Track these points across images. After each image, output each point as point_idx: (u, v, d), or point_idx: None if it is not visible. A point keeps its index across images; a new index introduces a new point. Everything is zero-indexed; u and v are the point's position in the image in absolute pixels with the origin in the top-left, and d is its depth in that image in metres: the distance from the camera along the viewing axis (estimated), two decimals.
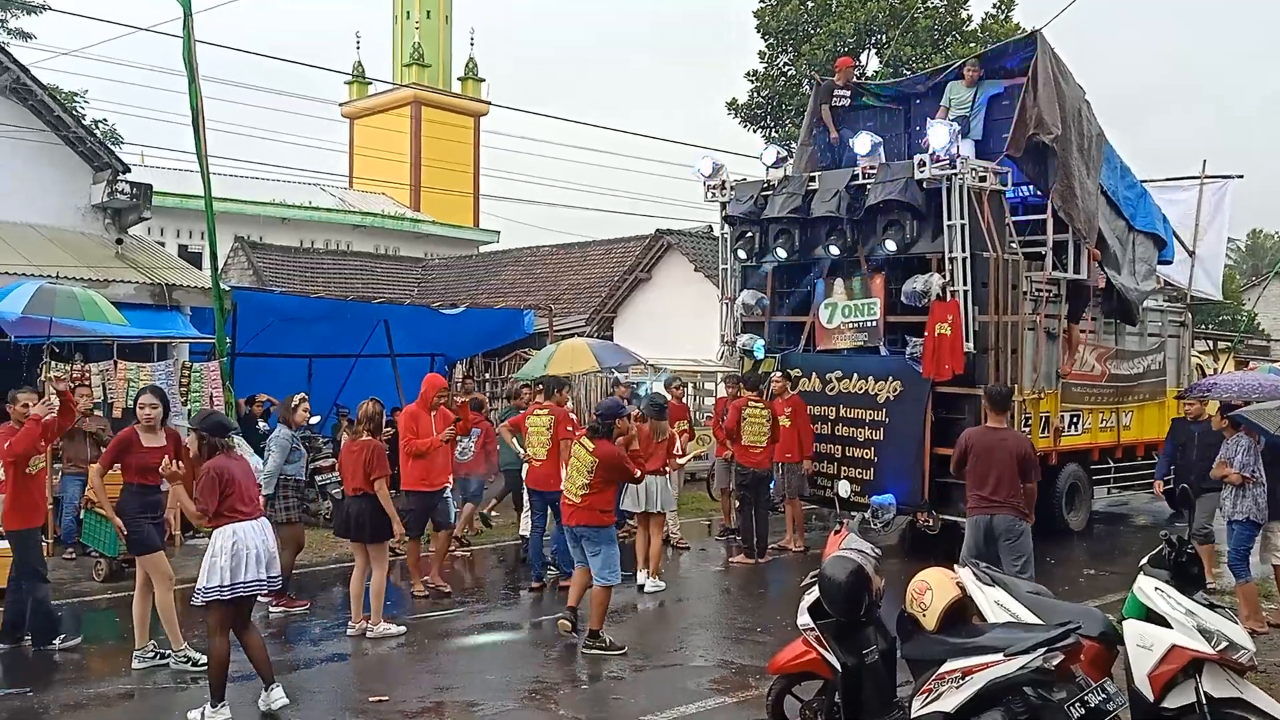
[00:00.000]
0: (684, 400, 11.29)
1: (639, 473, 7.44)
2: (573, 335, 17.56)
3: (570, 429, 8.82)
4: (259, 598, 6.12)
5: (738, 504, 10.58)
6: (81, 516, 9.40)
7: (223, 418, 6.28)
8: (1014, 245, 10.14)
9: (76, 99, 25.80)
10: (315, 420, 10.61)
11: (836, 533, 5.45)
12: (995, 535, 6.91)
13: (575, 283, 23.99)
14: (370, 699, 6.07)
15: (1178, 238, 13.24)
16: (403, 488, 8.56)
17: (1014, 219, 10.48)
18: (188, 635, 6.76)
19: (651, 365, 14.94)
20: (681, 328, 18.37)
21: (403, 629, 7.51)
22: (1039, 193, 10.70)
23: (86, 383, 10.38)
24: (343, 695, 6.23)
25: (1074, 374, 10.84)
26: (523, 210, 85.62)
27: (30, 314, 9.41)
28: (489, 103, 38.26)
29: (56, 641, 6.96)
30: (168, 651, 6.61)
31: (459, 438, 9.51)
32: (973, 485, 6.98)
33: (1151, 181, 13.37)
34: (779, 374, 10.82)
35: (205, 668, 6.30)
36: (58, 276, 10.94)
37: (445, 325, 15.37)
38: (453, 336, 16.05)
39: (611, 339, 19.47)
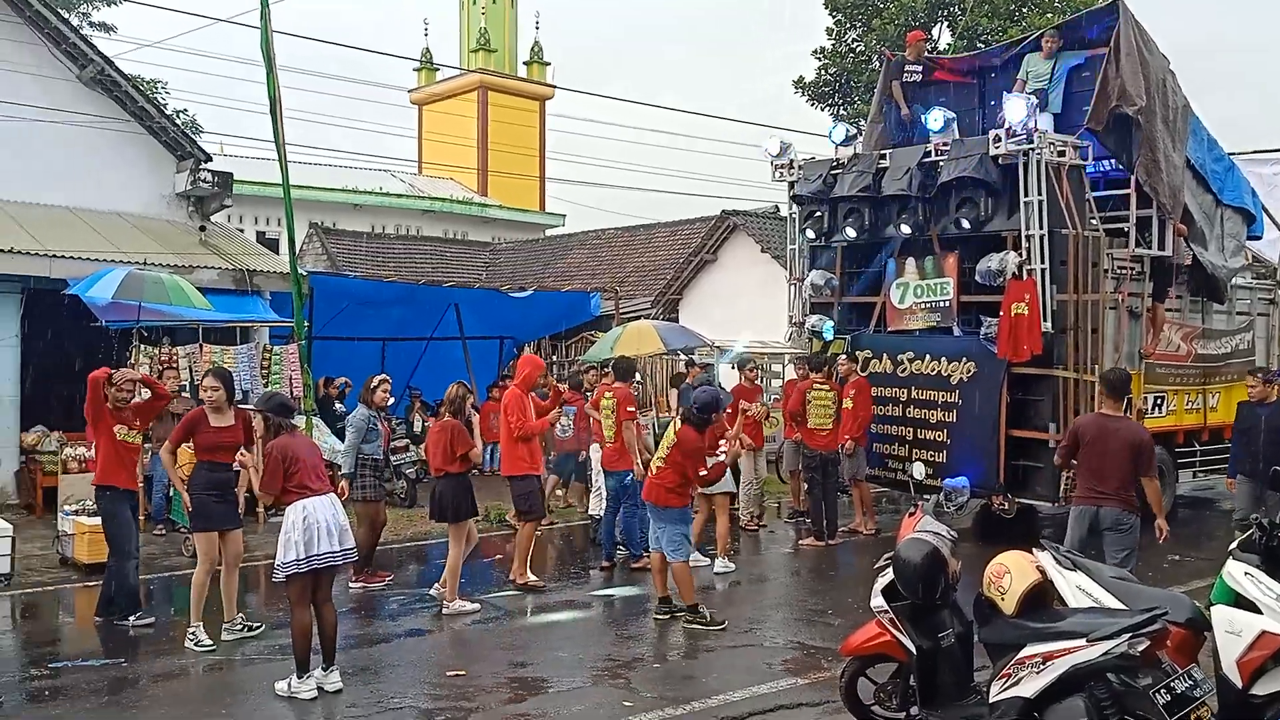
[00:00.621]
0: (757, 383, 11.22)
1: (704, 473, 7.42)
2: (638, 317, 17.61)
3: (631, 410, 8.88)
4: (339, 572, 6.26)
5: (806, 486, 10.52)
6: (171, 494, 9.75)
7: (285, 399, 6.43)
8: (1094, 221, 9.85)
9: (157, 89, 26.61)
10: (391, 402, 10.82)
11: (911, 515, 5.39)
12: (1100, 526, 6.62)
13: (641, 265, 24.01)
14: (448, 674, 6.21)
15: (1267, 212, 12.72)
16: (508, 473, 8.43)
17: (1095, 194, 10.17)
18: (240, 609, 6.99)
19: (718, 346, 14.90)
20: (747, 309, 18.27)
21: (476, 606, 7.65)
22: (1121, 167, 10.36)
23: (174, 365, 10.74)
24: (421, 669, 6.38)
25: (1158, 354, 10.52)
26: (588, 193, 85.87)
27: (120, 299, 9.77)
28: (554, 86, 38.39)
29: (131, 619, 7.13)
30: (237, 623, 6.82)
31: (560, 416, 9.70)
32: (1082, 475, 6.71)
33: (1239, 154, 12.87)
34: (844, 357, 10.75)
35: (210, 649, 6.56)
36: (145, 263, 11.31)
37: (514, 308, 15.56)
38: (521, 319, 16.24)
39: (677, 321, 19.47)
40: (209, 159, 14.48)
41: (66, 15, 15.41)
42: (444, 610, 7.54)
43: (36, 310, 11.70)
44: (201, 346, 11.10)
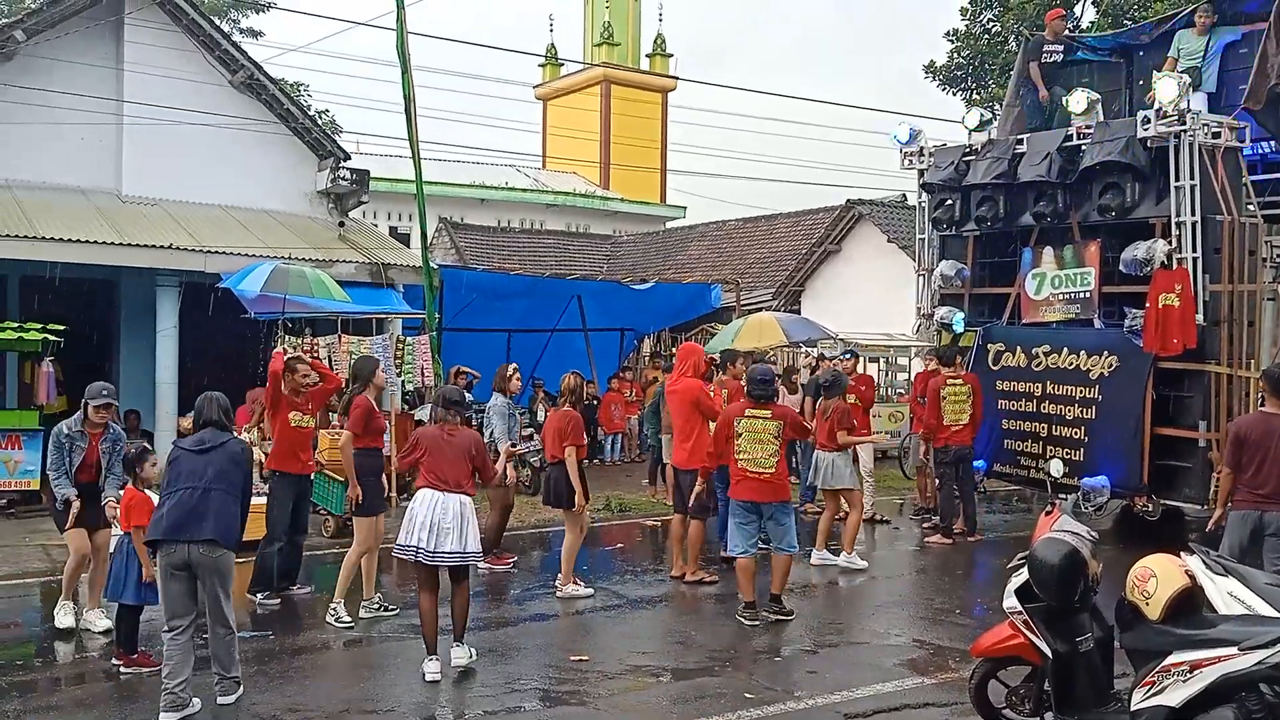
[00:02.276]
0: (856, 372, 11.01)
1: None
2: (760, 309, 17.49)
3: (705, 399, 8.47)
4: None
5: (938, 482, 10.24)
6: (312, 477, 10.23)
7: (450, 392, 6.54)
8: (1252, 207, 9.25)
9: (300, 91, 27.92)
10: (519, 391, 11.07)
11: (1048, 514, 5.18)
12: (1265, 532, 6.21)
13: (762, 256, 23.83)
14: (571, 658, 6.33)
15: None
16: (687, 466, 8.12)
17: (1252, 178, 9.54)
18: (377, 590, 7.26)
19: (841, 339, 14.67)
20: (873, 301, 17.92)
21: (590, 591, 7.77)
22: None
23: (315, 354, 11.25)
24: (545, 653, 6.52)
25: None
26: (709, 184, 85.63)
27: (267, 292, 10.30)
28: (676, 78, 38.47)
29: (259, 595, 7.51)
30: (375, 602, 7.07)
31: None
32: (1244, 478, 6.30)
33: None
34: (935, 358, 10.54)
35: (394, 613, 6.92)
36: (290, 257, 11.88)
37: (635, 300, 15.69)
38: (642, 311, 16.37)
39: (799, 313, 19.25)
40: (348, 158, 15.11)
41: (218, 22, 16.30)
42: (558, 593, 7.69)
43: (192, 302, 12.46)
44: (340, 337, 11.60)
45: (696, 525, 8.16)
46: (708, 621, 7.37)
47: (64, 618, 6.80)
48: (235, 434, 5.83)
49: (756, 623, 7.06)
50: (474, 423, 9.04)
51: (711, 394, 8.47)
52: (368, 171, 15.25)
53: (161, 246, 11.79)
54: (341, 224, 14.72)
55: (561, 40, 40.88)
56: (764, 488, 7.01)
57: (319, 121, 16.72)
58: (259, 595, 7.53)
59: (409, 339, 12.20)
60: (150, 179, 13.57)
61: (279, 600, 7.61)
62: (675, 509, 8.54)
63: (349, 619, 6.94)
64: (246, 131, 14.03)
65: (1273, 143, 9.96)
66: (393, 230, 27.97)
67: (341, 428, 10.67)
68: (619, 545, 9.94)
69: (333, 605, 7.00)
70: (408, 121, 10.44)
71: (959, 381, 9.83)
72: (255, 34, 28.70)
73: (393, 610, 7.16)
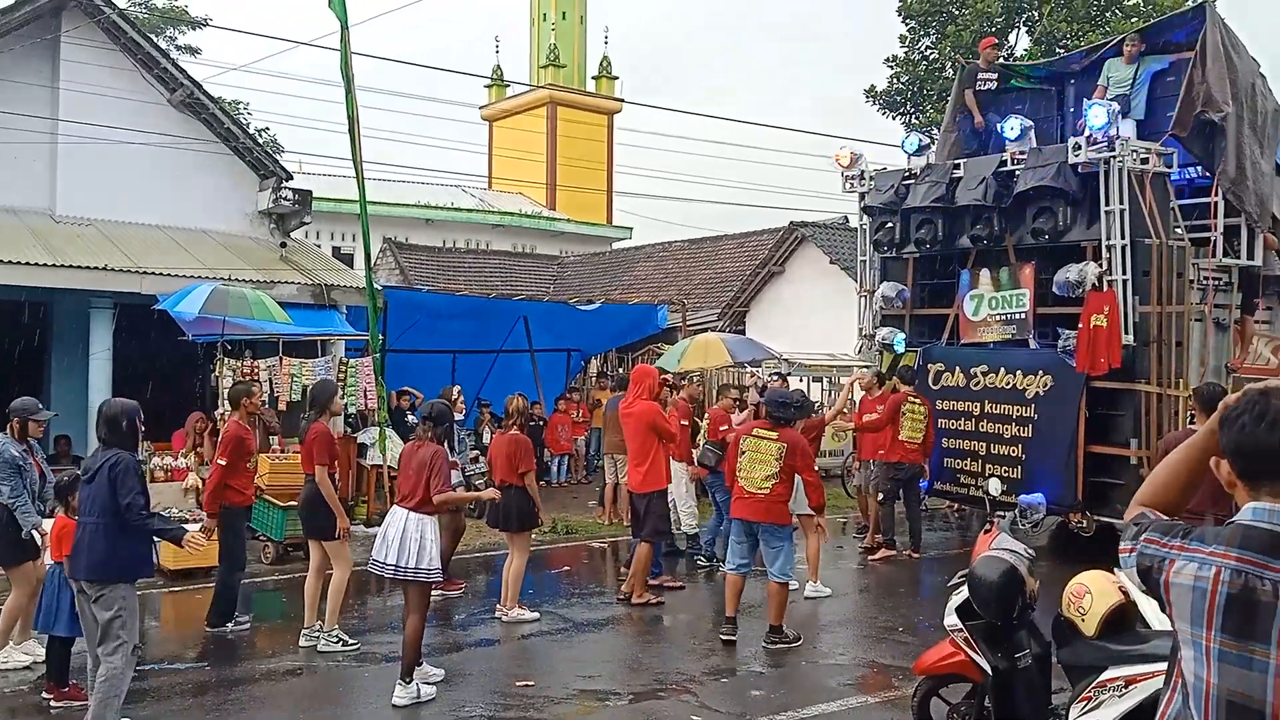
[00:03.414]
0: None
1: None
2: (706, 330, 17.59)
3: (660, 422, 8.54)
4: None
5: (881, 497, 10.35)
6: (252, 501, 10.03)
7: (428, 406, 6.62)
8: (1179, 231, 9.55)
9: (240, 110, 27.53)
10: (461, 417, 11.00)
11: (987, 532, 5.28)
12: None
13: (707, 277, 24.01)
14: (517, 684, 6.27)
15: None
16: (645, 489, 8.14)
17: (1180, 202, 9.88)
18: (345, 619, 7.16)
19: (785, 359, 14.82)
20: (816, 321, 18.15)
21: (536, 615, 7.72)
22: (1208, 174, 10.05)
23: (255, 378, 11.06)
24: (491, 679, 6.45)
25: (1246, 368, 10.14)
26: (654, 206, 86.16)
27: (206, 314, 10.10)
28: (622, 100, 38.70)
29: (229, 625, 7.38)
30: (316, 630, 6.97)
31: None
32: None
33: None
34: (869, 372, 10.84)
35: (354, 648, 6.83)
36: (230, 278, 11.67)
37: (581, 321, 15.69)
38: (588, 332, 16.36)
39: (744, 333, 19.40)
40: (290, 177, 14.91)
41: (154, 40, 16.02)
42: (503, 618, 7.62)
43: (127, 325, 12.16)
44: (281, 359, 11.41)
45: (646, 548, 8.16)
46: (655, 644, 7.36)
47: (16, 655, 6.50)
48: (139, 442, 5.57)
49: (734, 637, 7.08)
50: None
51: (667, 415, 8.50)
52: (310, 191, 15.07)
53: (96, 268, 11.50)
54: (283, 244, 14.51)
55: (507, 62, 41.09)
56: (757, 508, 6.99)
57: (260, 141, 16.48)
58: (230, 624, 7.37)
59: (352, 361, 12.04)
60: (85, 199, 13.25)
61: (248, 622, 7.46)
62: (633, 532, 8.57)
63: (354, 641, 6.93)
64: (186, 151, 13.79)
65: (1199, 168, 10.31)
66: (336, 251, 27.65)
67: (282, 450, 10.52)
68: (565, 568, 9.89)
69: (333, 633, 6.91)
70: (351, 141, 10.34)
71: (917, 401, 10.08)
72: (193, 51, 28.27)
73: (353, 645, 6.97)
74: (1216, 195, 9.82)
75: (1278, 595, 1.92)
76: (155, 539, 5.56)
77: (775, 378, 11.57)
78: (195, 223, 13.99)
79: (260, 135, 26.05)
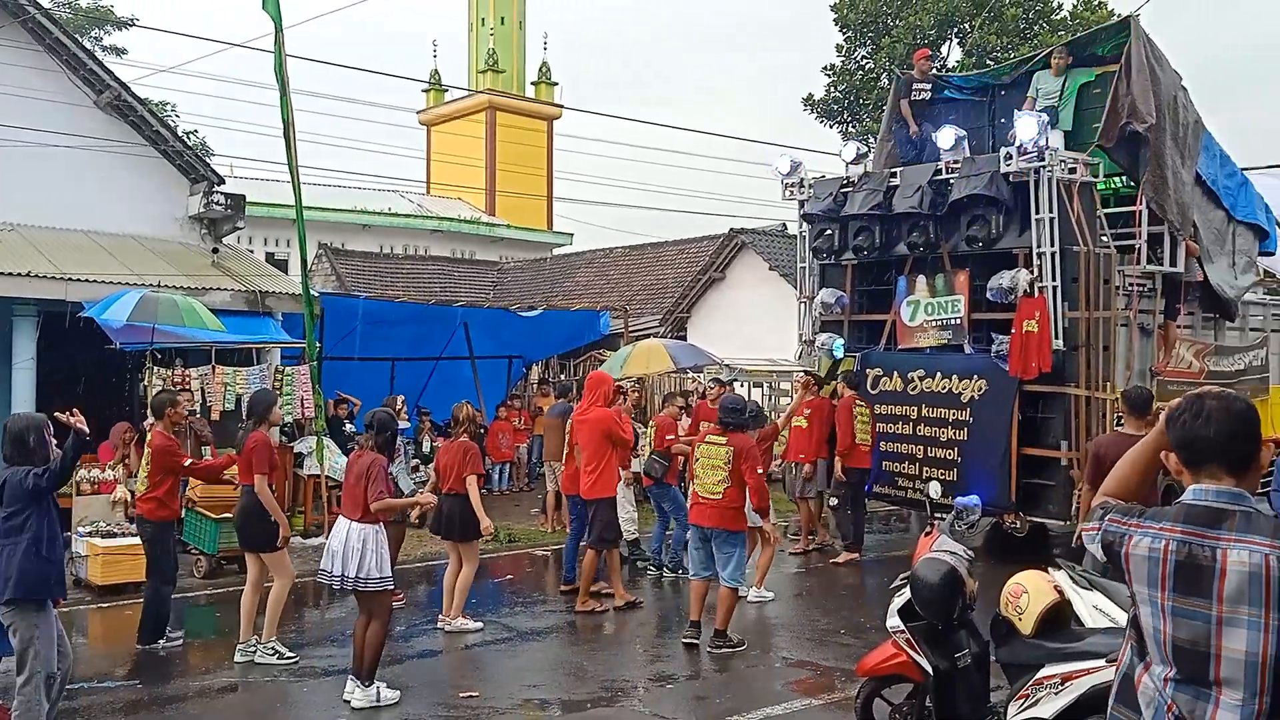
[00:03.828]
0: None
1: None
2: (648, 336, 17.64)
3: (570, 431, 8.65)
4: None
5: (834, 502, 10.44)
6: (183, 515, 9.77)
7: (371, 414, 6.58)
8: (1105, 238, 9.84)
9: (167, 111, 26.86)
10: (405, 426, 10.86)
11: (927, 534, 5.37)
12: None
13: (649, 283, 24.06)
14: (461, 695, 6.20)
15: None
16: (596, 496, 8.15)
17: (1106, 211, 10.17)
18: (283, 632, 7.01)
19: (727, 365, 14.92)
20: (757, 327, 18.30)
21: (480, 625, 7.66)
22: (1133, 184, 10.37)
23: (187, 387, 10.78)
24: (434, 690, 6.37)
25: (1170, 371, 10.48)
26: (595, 212, 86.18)
27: (134, 321, 9.82)
28: (562, 106, 38.67)
29: (161, 642, 7.18)
30: (251, 645, 6.84)
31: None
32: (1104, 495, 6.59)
33: (1253, 169, 12.86)
34: (805, 375, 11.00)
35: (292, 661, 6.71)
36: (159, 285, 11.36)
37: (523, 327, 15.60)
38: (530, 338, 16.29)
39: (685, 339, 19.49)
40: (222, 181, 14.58)
41: (80, 39, 15.55)
42: (446, 627, 7.54)
43: (52, 333, 11.77)
44: (214, 368, 11.14)
45: (592, 556, 8.16)
46: (600, 651, 7.34)
47: None
48: (50, 457, 5.30)
49: (696, 640, 7.16)
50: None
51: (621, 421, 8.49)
52: (243, 196, 14.75)
53: (18, 274, 11.10)
54: (215, 250, 14.17)
55: (445, 66, 40.62)
56: (710, 513, 7.08)
57: (190, 144, 16.10)
58: (161, 641, 7.17)
59: (288, 369, 11.81)
60: (8, 203, 12.77)
61: (180, 638, 7.27)
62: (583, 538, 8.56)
63: (291, 653, 6.82)
64: (113, 154, 13.39)
65: (1124, 178, 10.63)
66: (270, 256, 27.09)
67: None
68: (508, 576, 9.81)
69: (269, 645, 6.78)
70: (287, 145, 10.13)
71: (864, 405, 10.26)
72: (119, 52, 27.46)
73: (291, 658, 6.84)
74: (1141, 204, 10.13)
75: (1215, 559, 2.33)
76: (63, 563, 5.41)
77: (715, 383, 11.62)
78: (123, 228, 13.59)
79: (189, 138, 25.45)
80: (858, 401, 10.23)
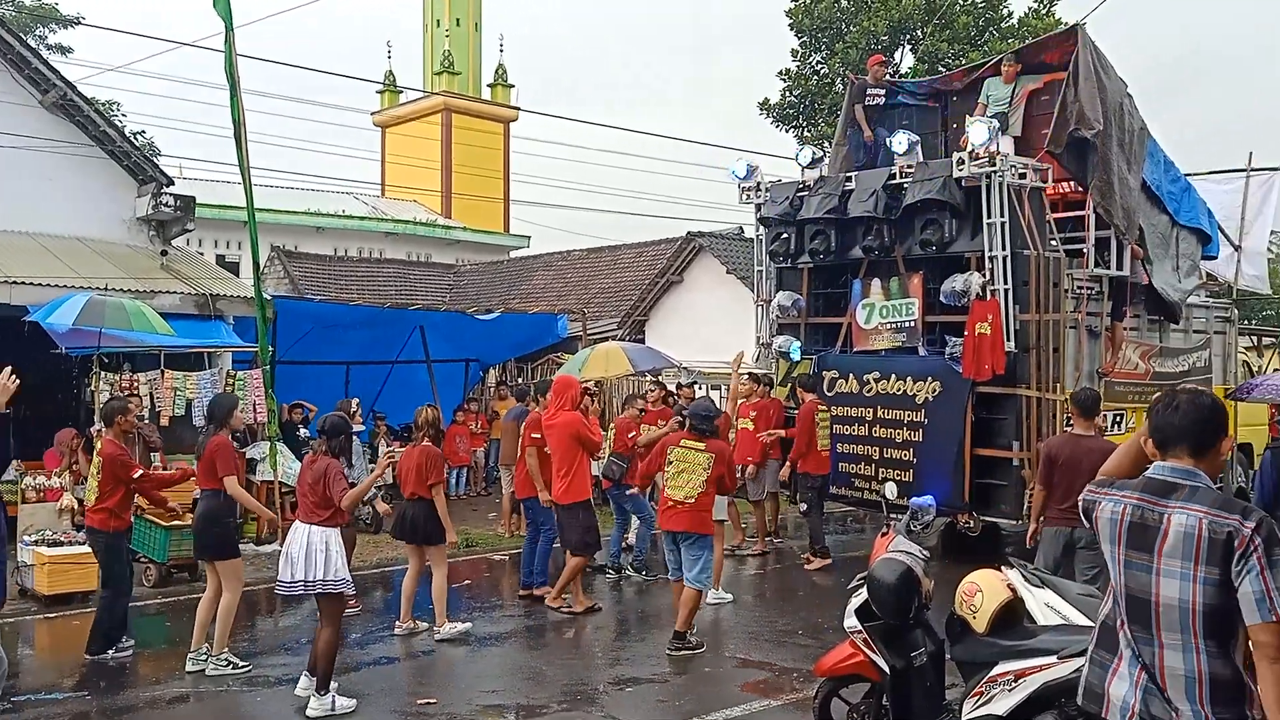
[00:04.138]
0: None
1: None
2: (605, 339, 17.61)
3: (533, 435, 8.60)
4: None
5: (804, 508, 10.43)
6: (132, 522, 9.56)
7: (325, 419, 6.57)
8: (1055, 242, 10.03)
9: (114, 111, 26.30)
10: (360, 429, 10.75)
11: (884, 535, 5.43)
12: (1076, 545, 6.62)
13: (606, 286, 24.04)
14: (419, 702, 6.14)
15: (1223, 231, 13.03)
16: (569, 500, 8.16)
17: (1055, 216, 10.37)
18: (235, 641, 6.91)
19: (685, 368, 14.95)
20: (715, 330, 18.35)
21: (469, 625, 7.62)
22: (1080, 189, 10.58)
23: (135, 392, 10.57)
24: (391, 697, 6.30)
25: (1117, 372, 10.70)
26: (552, 215, 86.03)
27: (81, 325, 9.60)
28: (518, 108, 38.54)
29: (111, 652, 7.03)
30: (203, 654, 6.75)
31: None
32: (1056, 496, 6.64)
33: (1196, 175, 13.19)
34: (747, 377, 11.08)
35: (245, 670, 6.63)
36: (106, 288, 11.14)
37: (480, 331, 15.50)
38: (487, 342, 16.19)
39: (644, 342, 19.50)
40: (170, 183, 14.32)
41: (24, 38, 15.18)
42: (436, 636, 7.47)
43: None
44: (163, 372, 10.93)
45: (575, 561, 8.12)
46: (558, 655, 7.31)
47: None
48: None
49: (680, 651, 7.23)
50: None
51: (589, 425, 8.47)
52: (193, 197, 14.49)
53: None
54: (164, 252, 13.90)
55: (400, 67, 40.27)
56: (683, 518, 7.11)
57: (137, 144, 15.78)
58: (111, 650, 7.02)
59: (240, 373, 11.62)
60: None
61: (130, 647, 7.12)
62: (562, 544, 8.50)
63: (244, 662, 6.73)
64: (58, 154, 13.08)
65: (1072, 183, 10.84)
66: (220, 259, 26.63)
67: (165, 468, 10.07)
68: (466, 581, 9.74)
69: (222, 656, 6.68)
70: (237, 146, 9.97)
71: (825, 409, 10.26)
72: (64, 51, 26.83)
73: (244, 667, 6.74)
74: (1088, 209, 10.35)
75: (1160, 521, 2.80)
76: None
77: (658, 386, 11.67)
78: (69, 230, 13.29)
79: (137, 138, 24.94)
80: (820, 406, 10.23)
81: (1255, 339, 19.69)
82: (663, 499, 7.27)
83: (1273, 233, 18.90)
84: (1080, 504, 3.11)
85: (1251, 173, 14.51)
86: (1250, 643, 2.70)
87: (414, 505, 7.57)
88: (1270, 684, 2.61)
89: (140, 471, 7.14)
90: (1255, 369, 14.98)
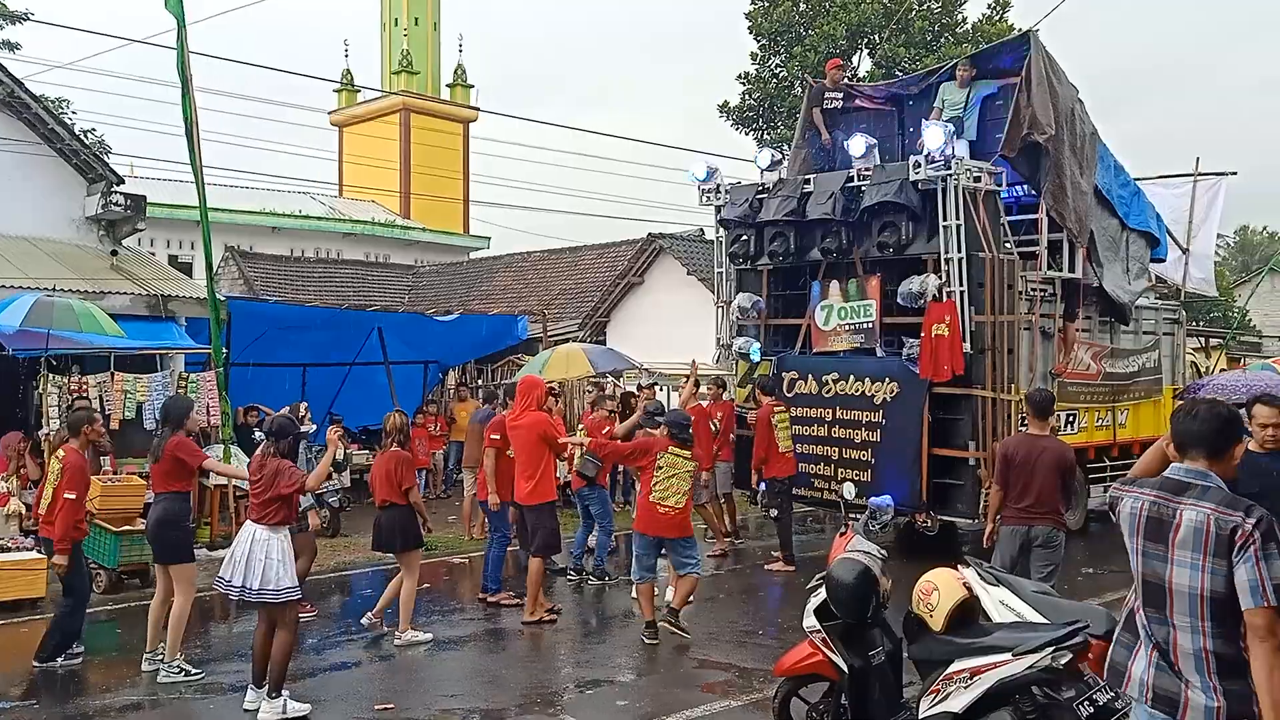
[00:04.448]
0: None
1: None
2: (566, 340, 17.58)
3: (493, 436, 8.57)
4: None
5: (775, 514, 10.36)
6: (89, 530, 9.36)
7: (271, 421, 6.65)
8: (1009, 245, 10.17)
9: (63, 108, 25.74)
10: (313, 429, 10.60)
11: (842, 535, 5.47)
12: (1032, 544, 6.69)
13: (567, 288, 23.99)
14: (376, 707, 6.08)
15: (1171, 235, 13.31)
16: (533, 501, 8.07)
17: (1009, 219, 10.51)
18: (189, 648, 6.79)
19: (646, 369, 14.96)
20: (675, 331, 18.38)
21: (430, 636, 7.54)
22: (1033, 192, 10.74)
23: (84, 395, 10.35)
24: (349, 703, 6.22)
25: (1069, 373, 10.89)
26: (513, 216, 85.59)
27: (28, 327, 9.39)
28: (477, 109, 38.38)
29: (60, 659, 6.90)
30: (158, 656, 6.66)
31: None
32: (1012, 496, 6.71)
33: (1145, 179, 13.45)
34: (713, 381, 11.30)
35: (198, 677, 6.56)
36: (54, 289, 10.90)
37: (439, 332, 15.38)
38: (446, 343, 16.05)
39: (605, 344, 19.48)
40: (121, 181, 14.05)
41: None
42: (396, 641, 7.40)
43: None
44: (113, 375, 10.72)
45: (536, 563, 8.06)
46: (518, 659, 7.27)
47: None
48: None
49: (657, 640, 7.27)
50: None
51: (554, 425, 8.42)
52: (144, 197, 14.24)
53: None
54: (114, 252, 13.64)
55: (358, 67, 39.84)
56: (672, 524, 7.32)
57: (87, 142, 15.47)
58: (60, 658, 6.88)
59: (193, 375, 11.43)
60: None
61: (80, 655, 6.97)
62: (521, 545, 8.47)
63: (195, 669, 6.63)
64: (5, 153, 12.78)
65: (1026, 186, 11.00)
66: (173, 259, 26.19)
67: (115, 472, 9.87)
68: (425, 585, 9.62)
69: (174, 664, 6.57)
70: (190, 145, 9.83)
71: (784, 410, 10.18)
72: (11, 46, 26.19)
73: (197, 674, 6.64)
74: (1041, 212, 10.51)
75: (1173, 516, 3.12)
76: None
77: (596, 388, 11.71)
78: (16, 229, 12.99)
79: (87, 136, 24.44)
80: (777, 407, 10.14)
81: (1203, 340, 20.16)
82: (649, 505, 7.31)
83: (1219, 236, 19.39)
84: (1107, 500, 3.46)
85: (1198, 177, 14.86)
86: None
87: (385, 512, 7.51)
88: (1260, 661, 2.92)
89: (75, 495, 6.87)
90: (1203, 369, 15.32)
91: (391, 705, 6.09)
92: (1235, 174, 15.21)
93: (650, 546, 7.40)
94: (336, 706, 6.13)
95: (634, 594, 7.91)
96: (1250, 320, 31.33)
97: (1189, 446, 3.22)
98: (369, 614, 7.70)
